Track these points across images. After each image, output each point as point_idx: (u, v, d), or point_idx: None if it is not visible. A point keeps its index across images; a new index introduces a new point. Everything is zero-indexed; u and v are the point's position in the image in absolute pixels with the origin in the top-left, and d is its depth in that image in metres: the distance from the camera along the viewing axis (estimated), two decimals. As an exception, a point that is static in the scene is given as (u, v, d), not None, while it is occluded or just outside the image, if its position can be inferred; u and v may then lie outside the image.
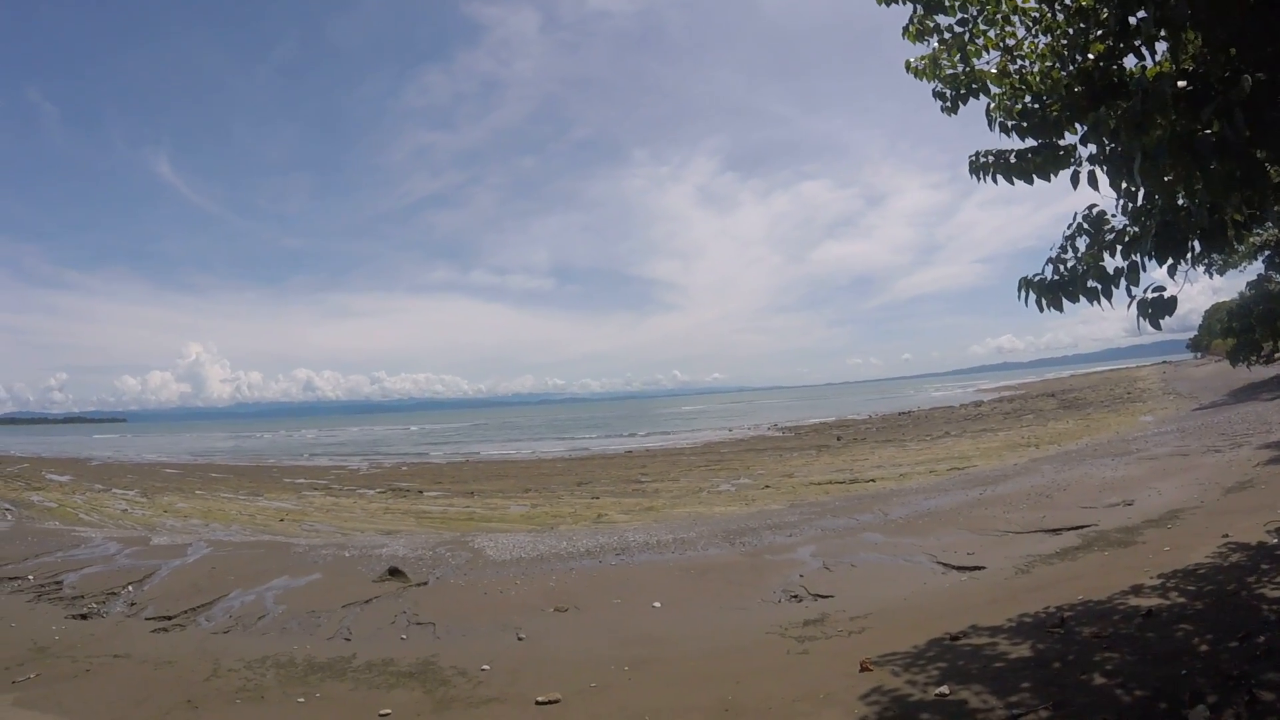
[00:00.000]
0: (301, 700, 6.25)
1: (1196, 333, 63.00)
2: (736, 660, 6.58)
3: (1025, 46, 5.89)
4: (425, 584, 10.01)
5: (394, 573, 10.47)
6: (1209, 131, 3.71)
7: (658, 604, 8.56)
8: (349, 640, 7.85)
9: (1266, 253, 27.42)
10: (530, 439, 55.98)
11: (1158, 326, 5.05)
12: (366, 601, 9.21)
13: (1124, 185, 4.85)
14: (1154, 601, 6.63)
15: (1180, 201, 4.99)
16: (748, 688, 5.87)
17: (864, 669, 5.96)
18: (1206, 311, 58.13)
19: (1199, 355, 66.65)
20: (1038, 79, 5.70)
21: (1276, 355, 37.40)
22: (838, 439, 33.16)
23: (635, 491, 19.68)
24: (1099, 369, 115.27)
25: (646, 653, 6.89)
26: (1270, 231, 26.78)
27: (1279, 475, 11.92)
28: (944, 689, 5.33)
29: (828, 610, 7.91)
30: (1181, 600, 6.60)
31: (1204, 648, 5.39)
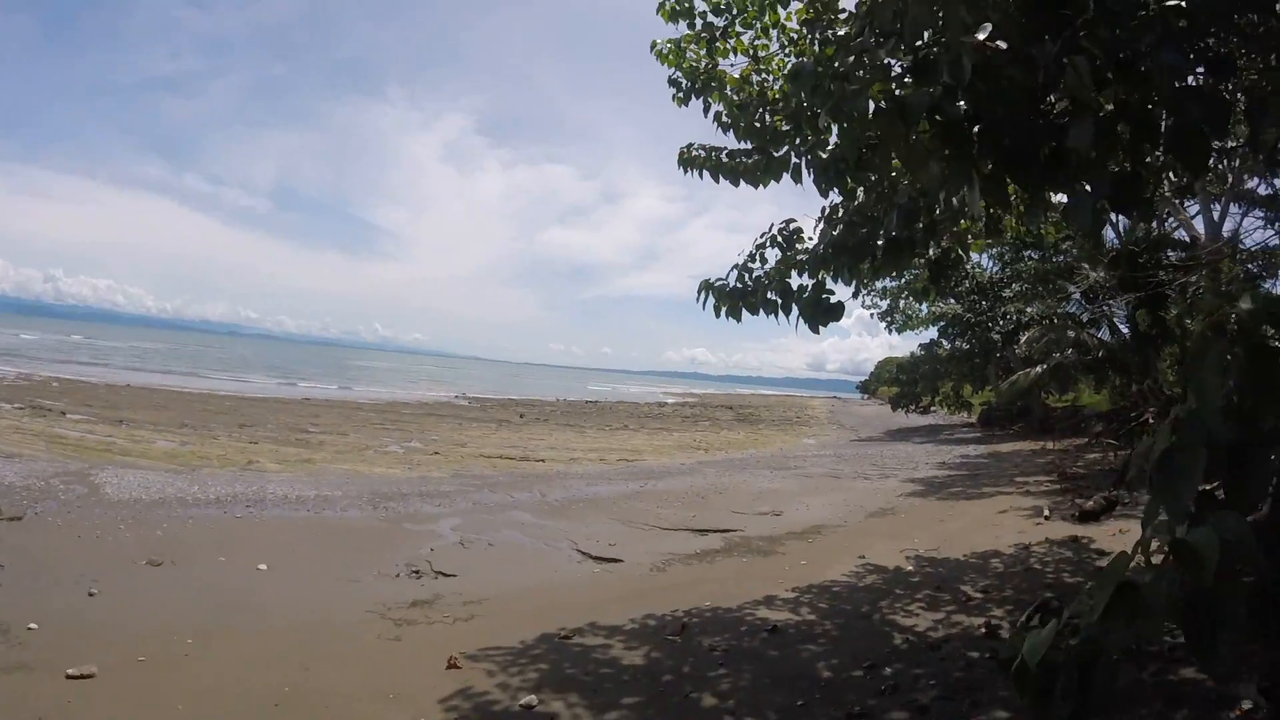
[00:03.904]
0: None
1: (867, 378, 71.67)
2: (321, 640, 5.68)
3: (775, 62, 5.74)
4: (19, 519, 8.33)
5: (-12, 503, 8.57)
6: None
7: (264, 566, 7.51)
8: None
9: (942, 323, 31.31)
10: (209, 370, 50.49)
11: (815, 330, 4.83)
12: (-57, 537, 7.36)
13: (824, 186, 4.68)
14: (783, 616, 6.43)
15: (872, 212, 4.88)
16: (318, 675, 4.99)
17: (451, 665, 5.16)
18: (880, 362, 66.07)
19: (865, 397, 75.14)
20: (777, 94, 5.48)
21: (931, 409, 43.15)
22: (520, 416, 32.77)
23: (299, 441, 18.09)
24: (777, 393, 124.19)
25: (227, 622, 5.90)
26: (950, 305, 30.57)
27: (918, 508, 12.75)
28: (534, 698, 4.64)
29: (444, 590, 7.12)
30: (812, 617, 6.43)
31: (827, 674, 5.11)
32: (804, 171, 4.89)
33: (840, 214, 5.03)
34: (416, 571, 7.69)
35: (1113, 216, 17.36)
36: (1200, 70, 2.86)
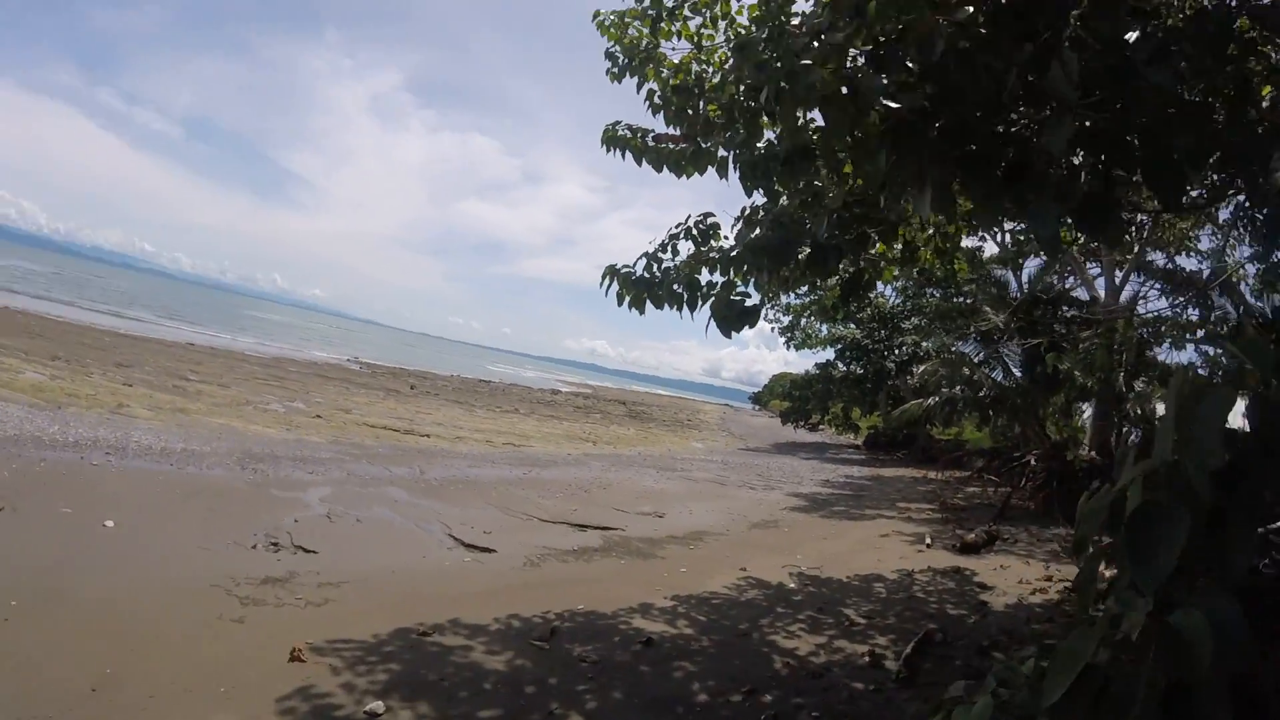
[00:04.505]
0: None
1: (760, 390, 72.95)
2: (157, 615, 5.09)
3: (717, 55, 5.53)
4: None
5: None
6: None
7: (111, 523, 6.81)
8: None
9: (840, 345, 32.12)
10: (94, 301, 47.04)
11: (728, 334, 4.57)
12: None
13: (750, 184, 4.56)
14: (660, 627, 6.11)
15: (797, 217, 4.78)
16: (146, 657, 4.44)
17: (294, 658, 4.63)
18: (775, 375, 67.33)
19: (757, 408, 76.36)
20: (714, 85, 5.23)
21: (819, 427, 44.21)
22: (411, 388, 31.81)
23: (176, 389, 16.89)
24: (670, 394, 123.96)
25: (58, 584, 5.29)
26: (850, 330, 31.39)
27: (801, 523, 12.69)
28: (381, 704, 4.17)
29: (301, 568, 6.52)
30: (689, 631, 6.12)
31: (703, 697, 4.79)
32: (730, 167, 4.71)
33: (761, 215, 4.89)
34: (275, 544, 7.09)
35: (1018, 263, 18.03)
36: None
